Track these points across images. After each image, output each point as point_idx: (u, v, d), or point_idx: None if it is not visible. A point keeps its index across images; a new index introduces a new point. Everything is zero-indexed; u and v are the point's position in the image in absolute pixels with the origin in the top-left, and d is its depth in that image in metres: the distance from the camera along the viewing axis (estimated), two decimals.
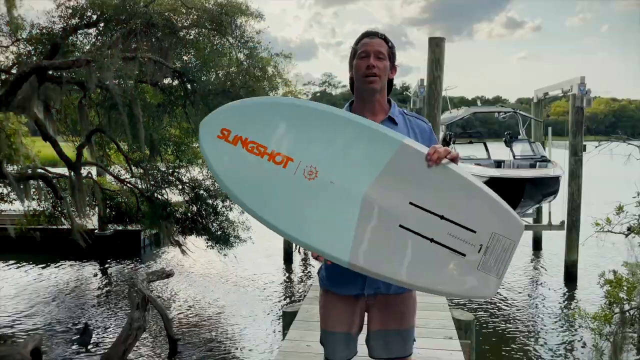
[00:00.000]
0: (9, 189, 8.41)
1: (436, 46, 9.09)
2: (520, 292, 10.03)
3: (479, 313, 8.58)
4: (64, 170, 7.97)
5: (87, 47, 7.27)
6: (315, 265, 10.83)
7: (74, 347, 7.26)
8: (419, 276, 1.70)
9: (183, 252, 8.61)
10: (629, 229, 5.05)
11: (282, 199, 1.73)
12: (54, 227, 10.04)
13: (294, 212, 1.72)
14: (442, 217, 1.69)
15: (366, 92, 1.97)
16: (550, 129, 12.39)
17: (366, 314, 2.10)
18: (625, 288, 4.45)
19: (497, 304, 9.22)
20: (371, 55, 1.93)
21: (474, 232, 1.68)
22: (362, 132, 1.74)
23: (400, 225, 1.69)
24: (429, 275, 1.70)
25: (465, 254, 1.68)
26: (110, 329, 7.93)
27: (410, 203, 1.69)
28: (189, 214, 8.55)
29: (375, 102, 1.98)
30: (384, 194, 1.69)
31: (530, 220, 12.47)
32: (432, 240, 1.69)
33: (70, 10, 6.95)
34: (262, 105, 1.80)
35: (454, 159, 1.75)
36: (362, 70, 1.93)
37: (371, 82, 1.92)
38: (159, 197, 8.21)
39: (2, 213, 9.77)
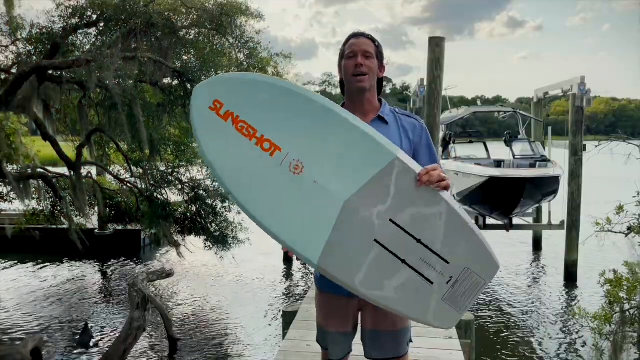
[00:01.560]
0: (9, 189, 8.41)
1: (436, 46, 9.09)
2: (520, 292, 10.03)
3: (479, 313, 8.58)
4: (63, 170, 7.97)
5: (87, 47, 7.27)
6: None
7: (74, 347, 7.26)
8: (384, 292, 1.67)
9: (179, 254, 8.61)
10: (629, 228, 5.06)
11: (263, 187, 1.67)
12: (54, 226, 10.03)
13: (272, 203, 1.67)
14: (418, 241, 1.65)
15: (356, 92, 1.97)
16: (550, 128, 12.39)
17: (360, 313, 2.10)
18: (625, 287, 4.45)
19: (497, 304, 9.23)
20: (358, 54, 1.94)
21: (447, 262, 1.67)
22: (358, 137, 1.68)
23: (375, 240, 1.65)
24: (392, 293, 1.67)
25: (433, 282, 1.67)
26: (110, 328, 7.93)
27: (391, 220, 1.65)
28: (188, 214, 8.55)
29: (365, 101, 1.98)
30: (366, 205, 1.64)
31: (530, 220, 12.47)
32: (403, 261, 1.65)
33: (70, 10, 6.95)
34: (261, 85, 1.72)
35: (446, 188, 1.70)
36: (350, 70, 1.95)
37: (360, 81, 1.93)
38: (159, 197, 8.21)
39: (2, 213, 9.77)
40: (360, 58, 1.93)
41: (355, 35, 2.01)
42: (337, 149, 1.67)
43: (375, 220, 1.64)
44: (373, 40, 2.00)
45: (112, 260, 12.27)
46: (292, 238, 1.66)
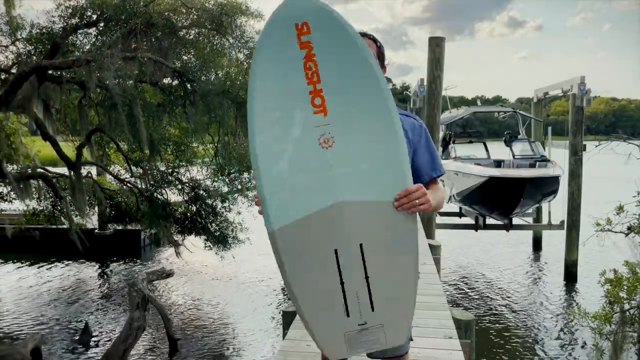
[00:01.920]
0: (9, 189, 8.41)
1: (436, 46, 9.10)
2: (520, 292, 10.03)
3: (479, 313, 8.58)
4: (64, 170, 7.97)
5: (87, 47, 7.27)
6: None
7: (74, 346, 7.26)
8: (303, 289, 1.63)
9: (179, 254, 8.61)
10: (629, 228, 5.06)
11: (283, 132, 1.55)
12: (54, 226, 10.03)
13: (279, 150, 1.55)
14: (366, 278, 1.61)
15: None
16: (550, 128, 12.39)
17: None
18: (625, 287, 4.45)
19: (497, 304, 9.23)
20: None
21: (372, 310, 1.63)
22: (394, 159, 1.58)
23: (335, 250, 1.59)
24: (309, 294, 1.63)
25: (349, 316, 1.64)
26: (110, 328, 7.93)
27: (360, 245, 1.60)
28: (188, 214, 8.55)
29: None
30: (353, 219, 1.58)
31: (530, 220, 12.47)
32: (342, 283, 1.61)
33: (70, 10, 6.94)
34: (354, 46, 1.55)
35: (426, 210, 1.65)
36: None
37: None
38: (159, 197, 8.22)
39: (2, 213, 9.77)
40: None
41: None
42: (371, 156, 1.58)
43: (349, 235, 1.58)
44: (375, 40, 2.00)
45: (112, 260, 12.27)
46: (273, 191, 1.55)
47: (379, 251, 1.60)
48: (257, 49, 1.55)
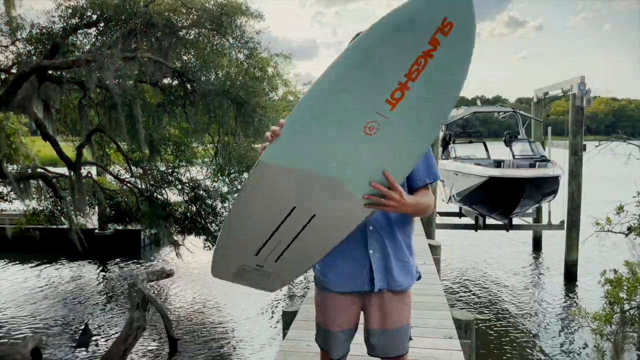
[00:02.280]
0: (9, 189, 8.41)
1: None
2: (520, 292, 10.03)
3: (479, 313, 8.58)
4: (64, 170, 7.97)
5: (87, 47, 7.28)
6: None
7: (74, 347, 7.26)
8: (241, 218, 1.75)
9: (179, 254, 8.61)
10: (629, 228, 5.06)
11: (345, 101, 1.52)
12: (54, 226, 10.03)
13: (329, 112, 1.53)
14: (294, 239, 1.76)
15: None
16: (550, 128, 12.38)
17: (363, 312, 2.11)
18: (625, 288, 4.45)
19: (497, 304, 9.23)
20: None
21: (276, 261, 1.83)
22: (403, 171, 1.69)
23: (293, 208, 1.68)
24: (241, 226, 1.76)
25: (256, 255, 1.83)
26: (110, 328, 7.93)
27: (313, 215, 1.70)
28: (188, 214, 8.55)
29: None
30: (328, 195, 1.64)
31: (530, 220, 12.47)
32: (274, 231, 1.73)
33: (70, 10, 6.95)
34: (463, 64, 1.51)
35: (394, 211, 1.74)
36: None
37: None
38: (159, 197, 8.21)
39: (2, 213, 9.77)
40: None
41: None
42: (386, 163, 1.62)
43: (313, 204, 1.67)
44: None
45: (112, 260, 12.27)
46: (299, 130, 1.57)
47: (321, 228, 1.73)
48: (385, 16, 1.45)
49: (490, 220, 11.23)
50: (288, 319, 4.22)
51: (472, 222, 11.76)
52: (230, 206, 1.79)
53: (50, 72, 6.72)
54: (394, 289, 2.00)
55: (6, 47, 7.48)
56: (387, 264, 1.97)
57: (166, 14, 6.81)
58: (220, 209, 8.62)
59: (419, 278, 2.10)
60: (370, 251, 1.95)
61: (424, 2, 1.43)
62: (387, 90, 1.50)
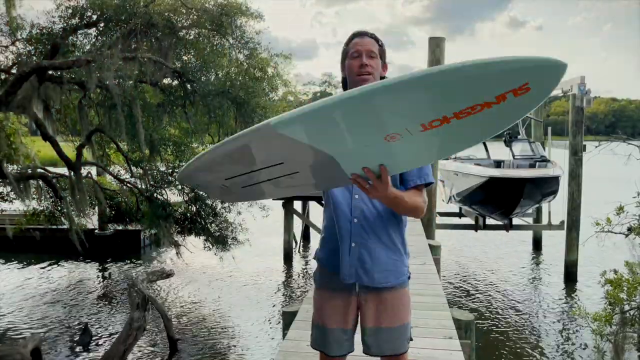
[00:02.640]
0: (9, 189, 8.41)
1: (436, 46, 9.10)
2: (520, 292, 10.03)
3: (479, 313, 8.58)
4: (64, 170, 7.97)
5: (87, 47, 7.28)
6: (314, 265, 10.90)
7: (74, 347, 7.26)
8: (231, 153, 1.79)
9: (179, 254, 8.61)
10: (629, 229, 5.06)
11: (381, 108, 1.48)
12: (54, 226, 10.03)
13: (359, 107, 1.50)
14: (269, 180, 1.85)
15: None
16: (550, 128, 12.40)
17: (359, 310, 2.11)
18: (625, 288, 4.45)
19: (497, 305, 9.23)
20: (363, 54, 1.96)
21: (242, 188, 1.95)
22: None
23: (281, 162, 1.74)
24: (228, 159, 1.80)
25: (232, 179, 1.90)
26: (110, 329, 7.93)
27: (296, 171, 1.78)
28: (188, 214, 8.55)
29: None
30: (315, 160, 1.69)
31: (530, 220, 12.47)
32: (251, 171, 1.81)
33: (70, 10, 6.95)
34: (509, 120, 1.51)
35: (373, 197, 1.78)
36: (355, 70, 1.96)
37: (365, 81, 1.93)
38: (159, 197, 8.21)
39: (2, 213, 9.78)
40: (364, 58, 1.95)
41: (359, 35, 2.01)
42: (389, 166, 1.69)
43: (299, 162, 1.72)
44: (376, 39, 2.01)
45: (112, 260, 12.27)
46: (319, 116, 1.55)
47: (298, 179, 1.80)
48: (479, 61, 1.37)
49: (490, 221, 11.23)
50: (288, 319, 4.22)
51: (472, 222, 11.76)
52: (233, 137, 1.75)
53: (50, 72, 6.73)
54: (368, 284, 2.01)
55: (6, 47, 7.48)
56: (364, 260, 1.98)
57: (166, 14, 6.81)
58: (220, 209, 8.62)
59: (407, 278, 2.09)
60: (352, 244, 1.98)
61: (518, 65, 1.35)
62: (429, 117, 1.48)
